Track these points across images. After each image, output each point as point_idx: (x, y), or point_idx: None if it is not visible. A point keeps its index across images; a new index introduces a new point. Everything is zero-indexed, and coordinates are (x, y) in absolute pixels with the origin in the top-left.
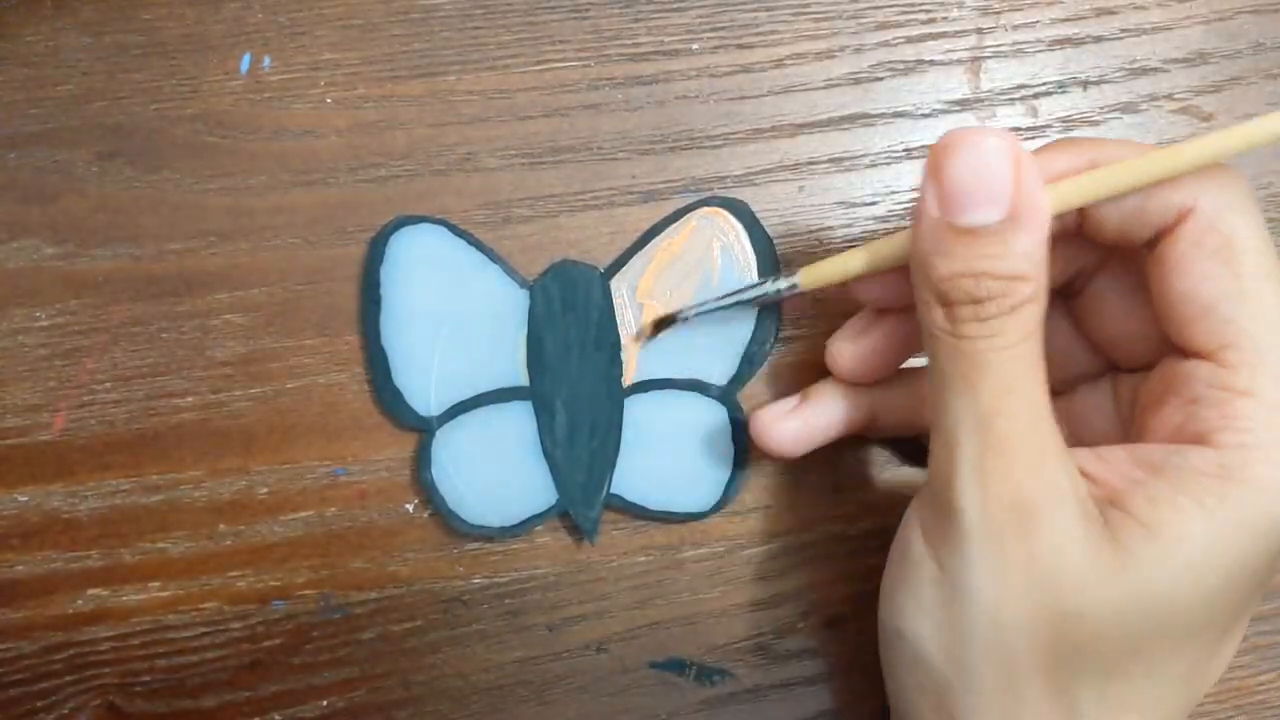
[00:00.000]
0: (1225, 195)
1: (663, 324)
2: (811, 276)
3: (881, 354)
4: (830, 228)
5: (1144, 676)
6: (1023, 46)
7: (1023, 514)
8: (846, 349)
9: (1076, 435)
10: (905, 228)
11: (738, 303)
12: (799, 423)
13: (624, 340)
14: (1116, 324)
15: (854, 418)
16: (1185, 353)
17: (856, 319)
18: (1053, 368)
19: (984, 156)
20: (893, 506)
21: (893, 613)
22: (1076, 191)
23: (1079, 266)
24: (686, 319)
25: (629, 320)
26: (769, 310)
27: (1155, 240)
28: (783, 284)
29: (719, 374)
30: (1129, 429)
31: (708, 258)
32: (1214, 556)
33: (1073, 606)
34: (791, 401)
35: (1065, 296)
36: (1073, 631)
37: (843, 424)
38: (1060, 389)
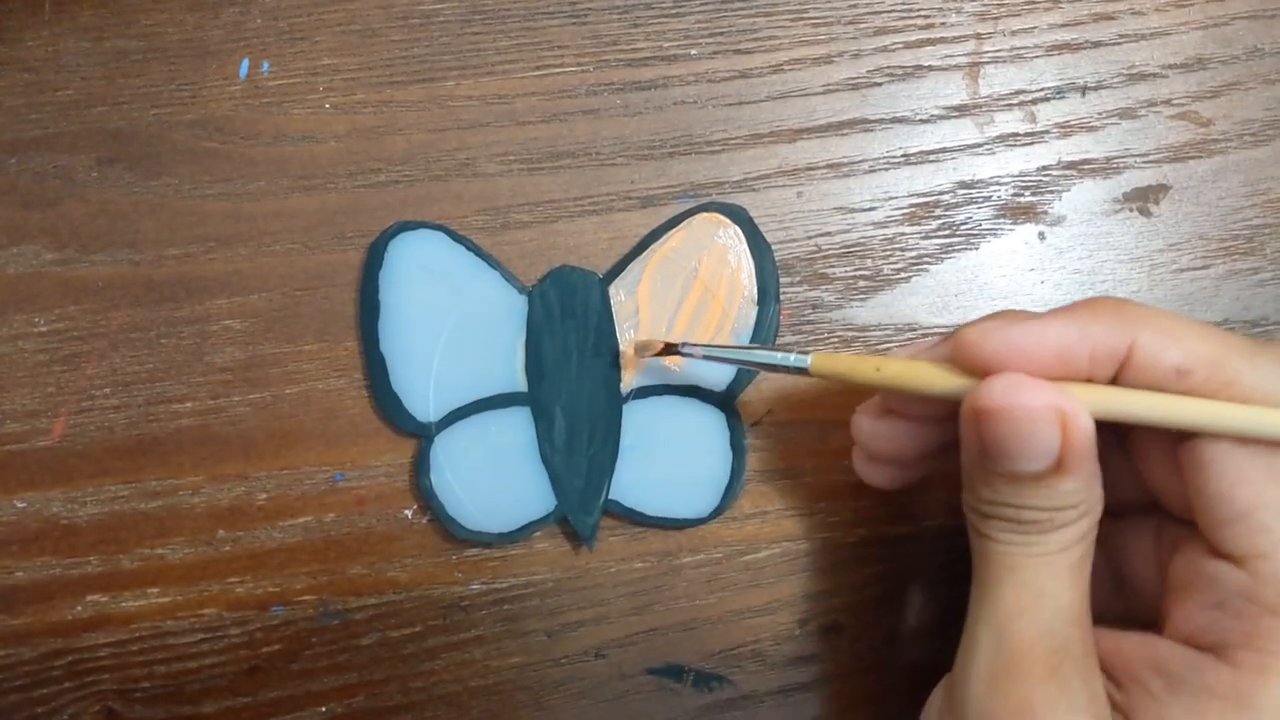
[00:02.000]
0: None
1: (668, 350)
2: (822, 365)
3: (903, 442)
4: (829, 233)
5: None
6: (1021, 52)
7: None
8: (867, 426)
9: (1116, 565)
10: (931, 342)
11: (742, 362)
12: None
13: (622, 346)
14: (1162, 473)
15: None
16: (1216, 551)
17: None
18: (1105, 490)
19: (1029, 424)
20: (889, 515)
21: None
22: (1109, 405)
23: None
24: (690, 355)
25: (629, 329)
26: (768, 317)
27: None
28: (792, 361)
29: (717, 380)
30: (1163, 579)
31: (695, 255)
32: None
33: None
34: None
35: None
36: None
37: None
38: (1112, 511)
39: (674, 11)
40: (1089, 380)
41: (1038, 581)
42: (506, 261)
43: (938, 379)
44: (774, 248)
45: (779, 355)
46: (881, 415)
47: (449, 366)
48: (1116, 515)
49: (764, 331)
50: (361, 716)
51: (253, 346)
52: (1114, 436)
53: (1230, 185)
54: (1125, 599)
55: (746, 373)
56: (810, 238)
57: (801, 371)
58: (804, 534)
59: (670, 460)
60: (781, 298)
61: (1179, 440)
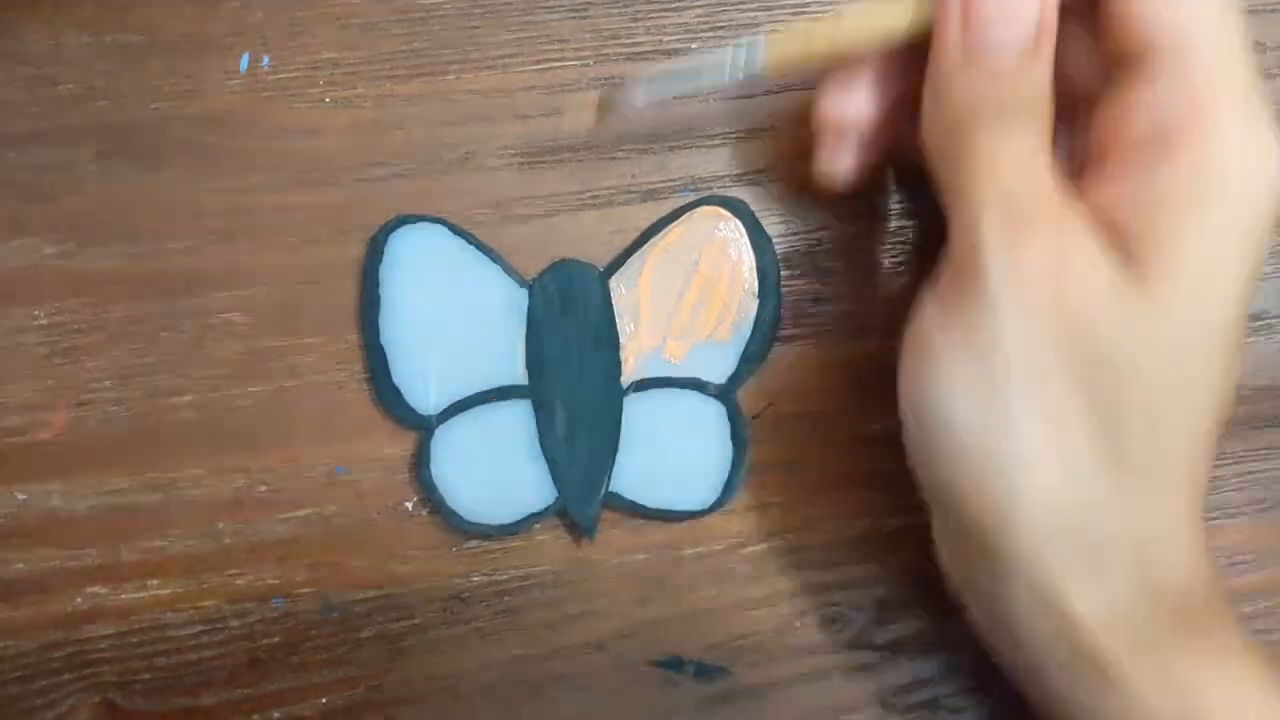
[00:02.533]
0: None
1: (605, 107)
2: (779, 47)
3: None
4: (831, 226)
5: (1180, 413)
6: None
7: (1049, 259)
8: (831, 96)
9: None
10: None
11: (688, 75)
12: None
13: (622, 340)
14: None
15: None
16: (1142, 55)
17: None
18: None
19: None
20: (891, 507)
21: (916, 391)
22: None
23: None
24: (632, 99)
25: (630, 322)
26: (767, 312)
27: None
28: (743, 54)
29: (718, 372)
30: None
31: (696, 249)
32: (1223, 259)
33: (1104, 345)
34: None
35: None
36: (1109, 371)
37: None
38: None
39: (674, 6)
40: None
41: (1026, 152)
42: (507, 255)
43: (901, 11)
44: (775, 241)
45: (726, 53)
46: (842, 86)
47: (450, 360)
48: None
49: (765, 325)
50: (361, 709)
51: (253, 340)
52: None
53: None
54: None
55: (747, 364)
56: (812, 230)
57: (752, 67)
58: (805, 526)
59: (671, 452)
60: (783, 290)
61: None
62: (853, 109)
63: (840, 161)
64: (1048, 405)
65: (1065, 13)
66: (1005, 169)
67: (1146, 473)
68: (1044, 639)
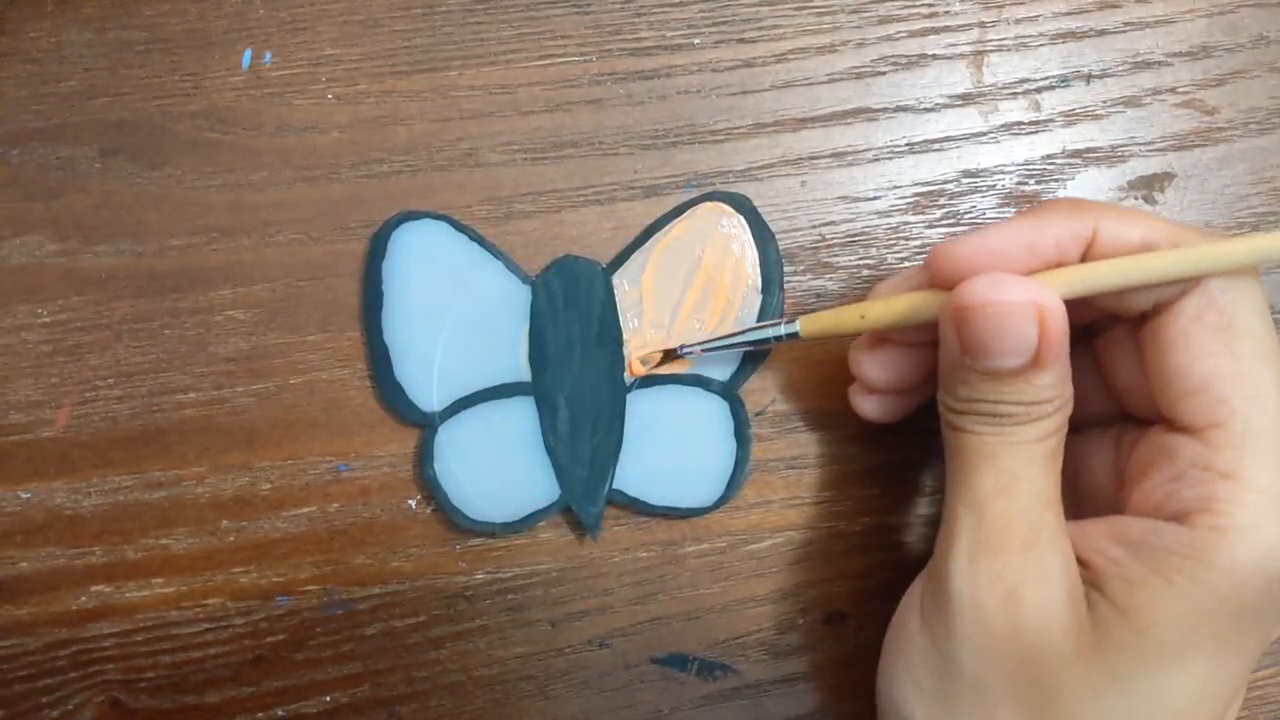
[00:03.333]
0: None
1: (668, 356)
2: (810, 328)
3: (898, 369)
4: (832, 222)
5: None
6: (1025, 40)
7: (1009, 593)
8: (864, 359)
9: (1075, 477)
10: (907, 274)
11: (738, 345)
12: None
13: (628, 355)
14: (1131, 373)
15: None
16: (1174, 426)
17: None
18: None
19: (1008, 319)
20: (893, 504)
21: (889, 684)
22: (1081, 281)
23: (1097, 314)
24: (690, 354)
25: (633, 319)
26: (771, 306)
27: (1155, 311)
28: (783, 331)
29: (721, 370)
30: (1121, 486)
31: (699, 245)
32: (1187, 638)
33: (1052, 684)
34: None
35: (1088, 334)
36: (1054, 708)
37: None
38: (1075, 425)
39: (677, 1)
40: (1057, 264)
41: (1014, 467)
42: (510, 251)
43: (919, 307)
44: (778, 237)
45: (769, 331)
46: (875, 346)
47: (452, 356)
48: (1078, 429)
49: (769, 319)
50: (366, 706)
51: (256, 337)
52: (1080, 347)
53: (1235, 173)
54: (1082, 510)
55: (750, 362)
56: (814, 227)
57: (794, 337)
58: (808, 523)
59: (674, 450)
60: (785, 287)
61: (1141, 325)
62: (878, 373)
63: (872, 409)
64: None
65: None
66: (989, 479)
67: None
68: None
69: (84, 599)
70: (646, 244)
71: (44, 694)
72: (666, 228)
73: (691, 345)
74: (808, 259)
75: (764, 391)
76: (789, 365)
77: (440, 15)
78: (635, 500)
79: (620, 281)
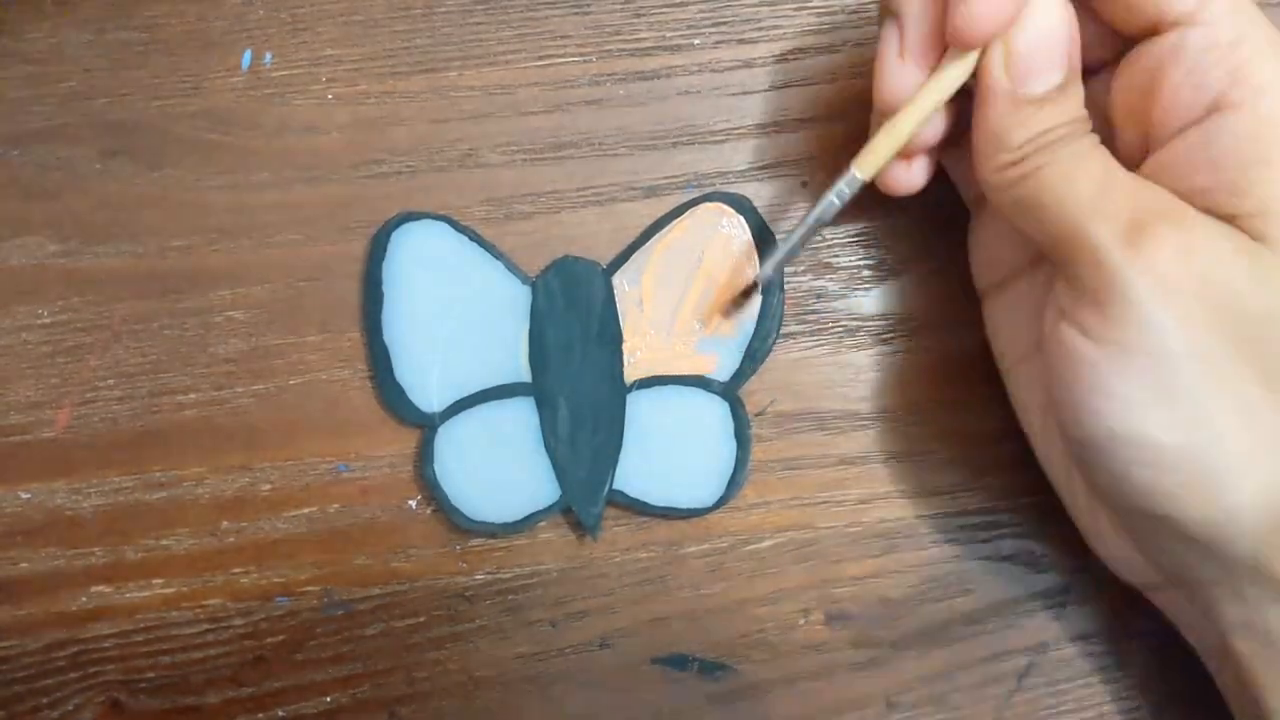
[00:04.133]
0: None
1: (748, 293)
2: (869, 166)
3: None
4: (833, 224)
5: None
6: None
7: (1183, 252)
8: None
9: None
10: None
11: (812, 232)
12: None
13: (624, 330)
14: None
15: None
16: (1160, 29)
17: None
18: None
19: (1049, 25)
20: (893, 504)
21: (1095, 422)
22: None
23: None
24: (769, 281)
25: (633, 320)
26: (772, 306)
27: None
28: (844, 187)
29: (721, 370)
30: (1123, 121)
31: (700, 245)
32: None
33: (1260, 311)
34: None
35: None
36: (1273, 334)
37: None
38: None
39: (677, 1)
40: None
41: (1100, 165)
42: (510, 252)
43: (952, 80)
44: (779, 238)
45: (831, 197)
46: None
47: (452, 357)
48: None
49: (768, 321)
50: (366, 707)
51: (256, 338)
52: None
53: None
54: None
55: (750, 362)
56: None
57: (857, 186)
58: (808, 523)
59: (674, 450)
60: (786, 287)
61: None
62: (920, 176)
63: (910, 179)
64: (1232, 390)
65: None
66: (1089, 183)
67: None
68: (1262, 623)
69: (84, 599)
70: (646, 245)
71: (44, 695)
72: (667, 228)
73: (763, 272)
74: (808, 259)
75: (764, 392)
76: (790, 366)
77: (440, 16)
78: (636, 500)
79: (620, 282)
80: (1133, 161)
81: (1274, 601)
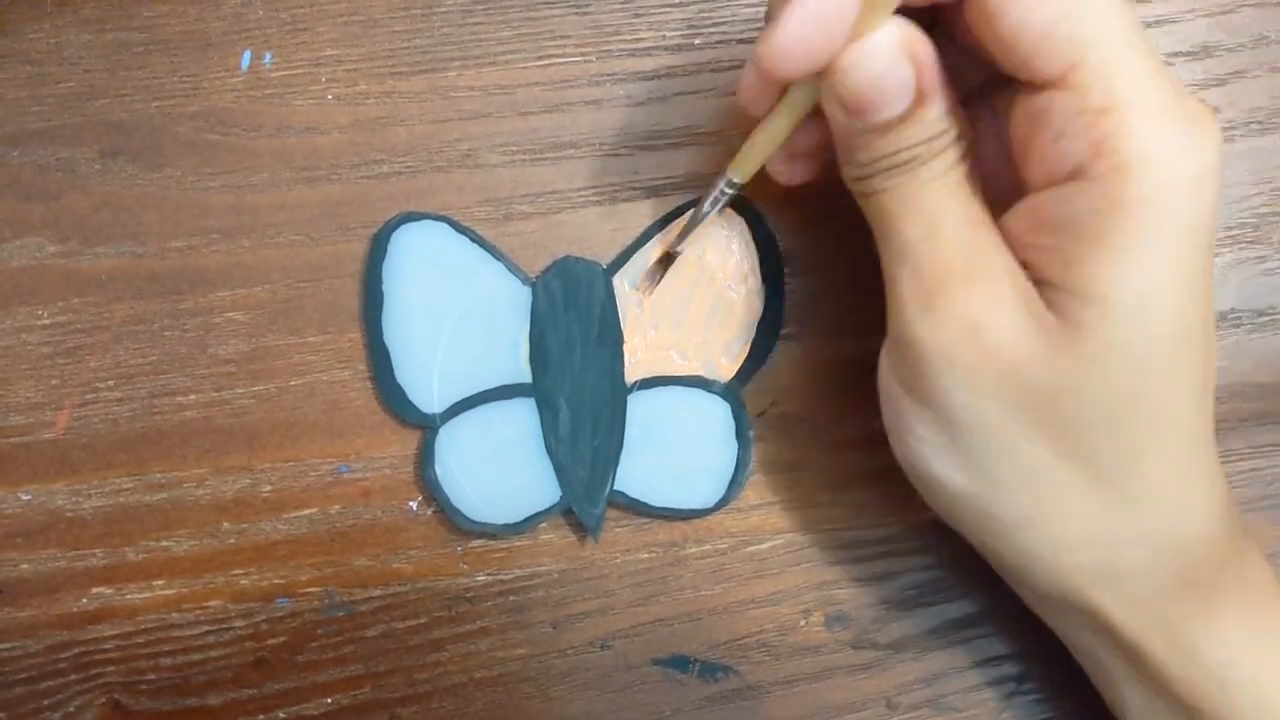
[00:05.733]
0: None
1: (665, 263)
2: (741, 170)
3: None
4: (834, 223)
5: (1146, 416)
6: None
7: (969, 326)
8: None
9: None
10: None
11: (701, 218)
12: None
13: (624, 331)
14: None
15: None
16: (1035, 86)
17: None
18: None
19: (879, 66)
20: (894, 506)
21: (901, 452)
22: None
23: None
24: (676, 253)
25: (634, 316)
26: (772, 308)
27: None
28: (724, 185)
29: (722, 371)
30: (1010, 150)
31: (700, 245)
32: (1146, 283)
33: (1043, 388)
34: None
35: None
36: (1056, 408)
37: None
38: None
39: (677, 1)
40: None
41: (932, 205)
42: (510, 252)
43: (797, 105)
44: (778, 237)
45: (714, 193)
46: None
47: (453, 358)
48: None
49: (769, 322)
50: (367, 708)
51: (256, 338)
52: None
53: (1237, 173)
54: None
55: (751, 363)
56: (816, 227)
57: (736, 188)
58: (809, 525)
59: (675, 451)
60: (786, 288)
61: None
62: (801, 171)
63: (791, 176)
64: (1011, 452)
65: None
66: (911, 227)
67: (1133, 480)
68: (1078, 632)
69: (85, 601)
70: (647, 245)
71: (45, 696)
72: (667, 229)
73: (676, 243)
74: (808, 261)
75: (765, 393)
76: (790, 367)
77: (439, 16)
78: (636, 501)
79: (621, 283)
80: (1017, 191)
81: (1087, 628)
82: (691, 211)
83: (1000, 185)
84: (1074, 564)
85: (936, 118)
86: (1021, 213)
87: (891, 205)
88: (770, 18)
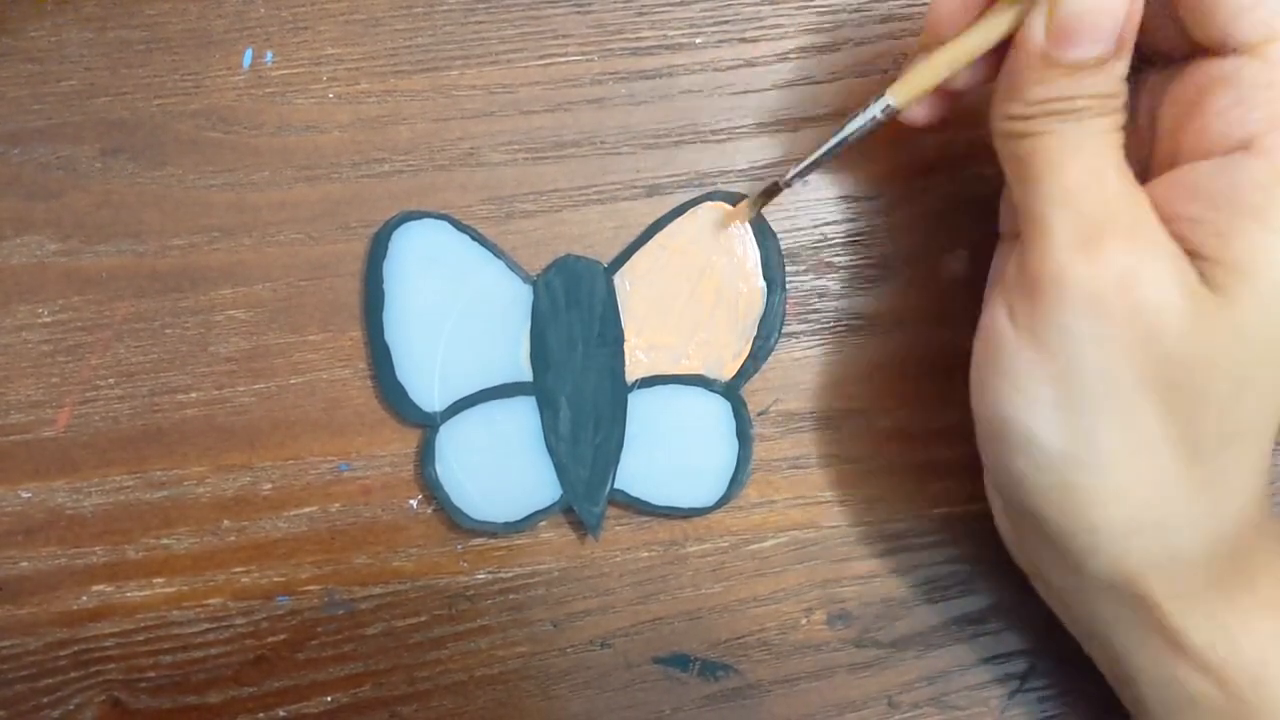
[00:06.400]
0: None
1: (771, 193)
2: (904, 94)
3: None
4: (834, 221)
5: (1256, 400)
6: None
7: (1122, 276)
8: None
9: None
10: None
11: (839, 146)
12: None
13: (625, 329)
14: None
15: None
16: (1224, 50)
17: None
18: None
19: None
20: (896, 505)
21: (994, 403)
22: None
23: None
24: (790, 183)
25: (635, 314)
26: (772, 308)
27: None
28: (878, 110)
29: (723, 369)
30: (1158, 136)
31: (701, 244)
32: None
33: (1180, 355)
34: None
35: None
36: (1185, 378)
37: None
38: None
39: (679, 0)
40: None
41: (1101, 157)
42: (511, 251)
43: (998, 24)
44: (779, 236)
45: (863, 118)
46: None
47: (454, 356)
48: None
49: (770, 320)
50: (367, 706)
51: (257, 337)
52: None
53: None
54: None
55: (752, 361)
56: (816, 226)
57: (891, 113)
58: (810, 523)
59: (676, 449)
60: (787, 286)
61: None
62: (937, 109)
63: (923, 113)
64: (1127, 418)
65: None
66: (1076, 172)
67: (1221, 464)
68: (1115, 619)
69: (85, 599)
70: (648, 244)
71: (45, 694)
72: (668, 227)
73: (792, 173)
74: (809, 258)
75: (766, 391)
76: (791, 365)
77: (441, 15)
78: (637, 500)
79: (622, 281)
80: (1158, 168)
81: (1124, 617)
82: (835, 136)
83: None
84: (1140, 546)
85: (1120, 76)
86: (1171, 182)
87: (1056, 148)
88: None
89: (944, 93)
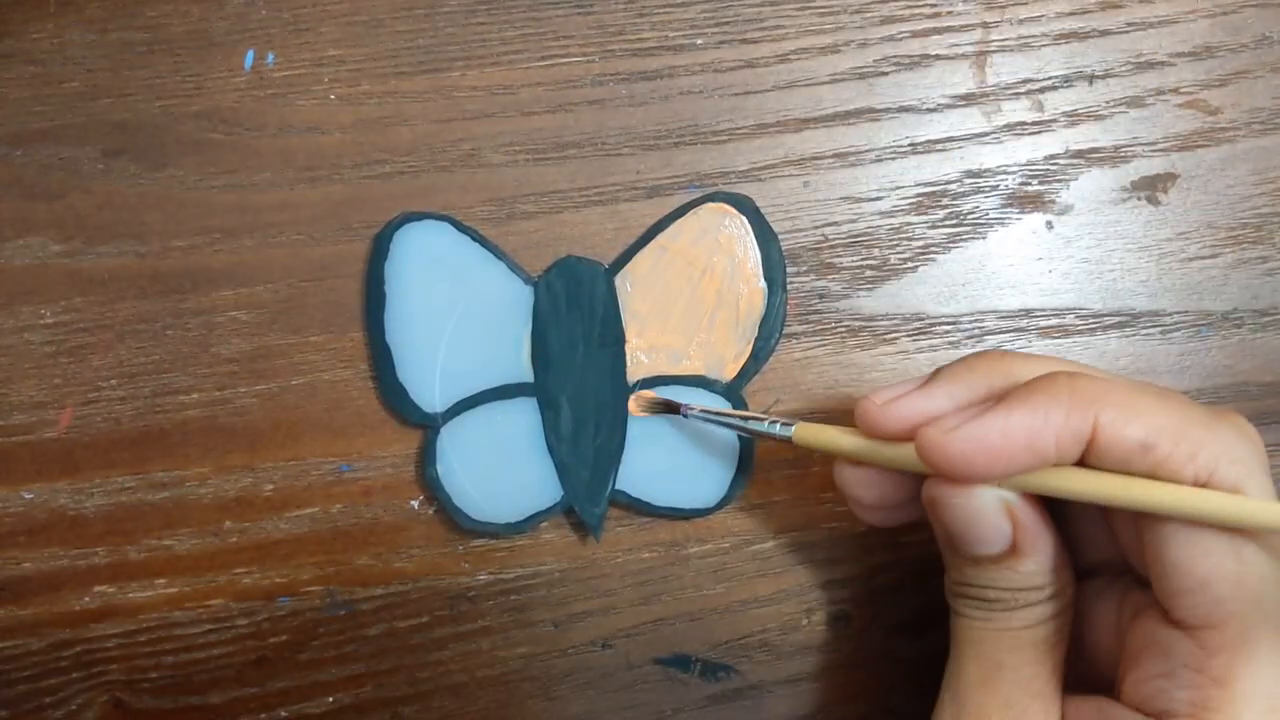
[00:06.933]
0: (1243, 468)
1: (665, 408)
2: (805, 436)
3: (885, 489)
4: (835, 222)
5: None
6: (1028, 40)
7: None
8: (848, 474)
9: (1077, 628)
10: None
11: (733, 427)
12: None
13: (626, 330)
14: (1130, 532)
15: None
16: (1169, 618)
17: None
18: (1080, 545)
19: (975, 511)
20: None
21: None
22: (1088, 490)
23: None
24: (686, 416)
25: (636, 315)
26: (773, 309)
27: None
28: (778, 430)
29: (723, 369)
30: (1120, 653)
31: (702, 245)
32: None
33: None
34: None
35: None
36: None
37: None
38: (1080, 569)
39: (679, 1)
40: (1056, 464)
41: (998, 655)
42: (512, 252)
43: (911, 460)
44: (780, 237)
45: (765, 425)
46: (859, 465)
47: (455, 357)
48: (1086, 574)
49: (771, 321)
50: (369, 707)
51: (258, 338)
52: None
53: (1239, 174)
54: (1085, 663)
55: (753, 362)
56: (817, 227)
57: (785, 440)
58: (811, 524)
59: (677, 450)
60: (788, 287)
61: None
62: (864, 491)
63: (867, 518)
64: None
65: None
66: (976, 666)
67: None
68: None
69: (87, 599)
70: (649, 245)
71: (47, 694)
72: (669, 228)
73: (693, 408)
74: (810, 259)
75: (768, 392)
76: (792, 365)
77: (443, 16)
78: (638, 501)
79: (622, 282)
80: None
81: None
82: (739, 420)
83: (1105, 651)
84: None
85: (1031, 572)
86: (1099, 710)
87: (966, 635)
88: (931, 388)
89: (888, 507)
